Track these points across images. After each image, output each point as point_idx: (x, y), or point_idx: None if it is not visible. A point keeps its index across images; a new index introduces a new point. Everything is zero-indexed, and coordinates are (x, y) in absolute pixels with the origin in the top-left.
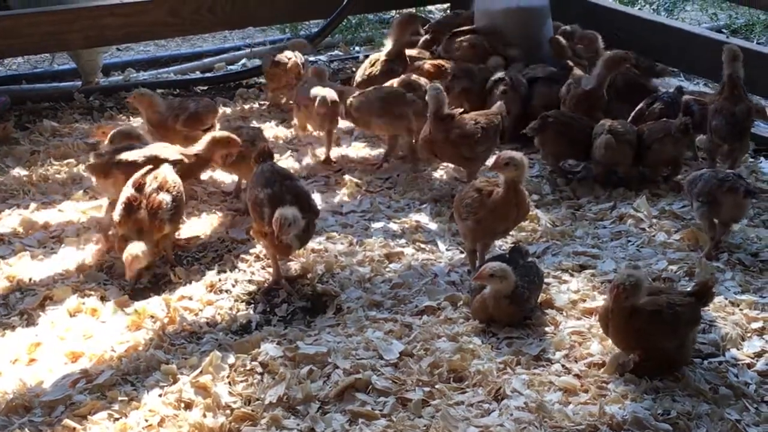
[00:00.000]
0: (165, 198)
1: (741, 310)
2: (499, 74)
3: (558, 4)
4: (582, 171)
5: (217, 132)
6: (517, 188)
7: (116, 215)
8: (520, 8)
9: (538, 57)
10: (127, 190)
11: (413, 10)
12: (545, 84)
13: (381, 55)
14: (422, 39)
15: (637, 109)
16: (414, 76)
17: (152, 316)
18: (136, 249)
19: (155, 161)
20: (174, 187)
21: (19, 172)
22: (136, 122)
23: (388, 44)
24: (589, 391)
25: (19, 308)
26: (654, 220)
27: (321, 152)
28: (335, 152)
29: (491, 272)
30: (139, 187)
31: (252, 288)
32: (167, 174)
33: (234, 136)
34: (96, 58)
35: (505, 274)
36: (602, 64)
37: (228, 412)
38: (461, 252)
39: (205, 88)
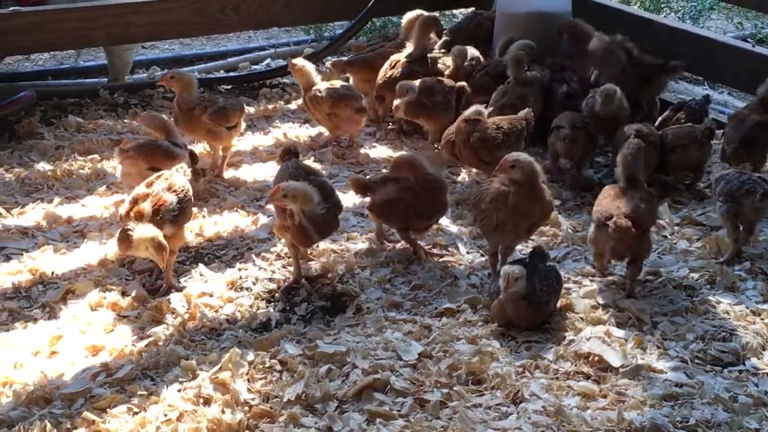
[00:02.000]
0: (170, 198)
1: (762, 319)
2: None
3: (581, 10)
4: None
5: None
6: (535, 186)
7: (122, 209)
8: (541, 13)
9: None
10: (139, 188)
11: (437, 13)
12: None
13: (401, 56)
14: (442, 40)
15: (662, 116)
16: (438, 78)
17: (173, 312)
18: (149, 234)
19: None
20: (182, 191)
21: (43, 166)
22: None
23: (410, 46)
24: (607, 397)
25: (42, 301)
26: (676, 228)
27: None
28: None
29: (516, 277)
30: (150, 186)
31: (272, 286)
32: (177, 178)
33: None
34: (128, 57)
35: (521, 275)
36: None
37: (246, 408)
38: (482, 255)
39: (229, 87)
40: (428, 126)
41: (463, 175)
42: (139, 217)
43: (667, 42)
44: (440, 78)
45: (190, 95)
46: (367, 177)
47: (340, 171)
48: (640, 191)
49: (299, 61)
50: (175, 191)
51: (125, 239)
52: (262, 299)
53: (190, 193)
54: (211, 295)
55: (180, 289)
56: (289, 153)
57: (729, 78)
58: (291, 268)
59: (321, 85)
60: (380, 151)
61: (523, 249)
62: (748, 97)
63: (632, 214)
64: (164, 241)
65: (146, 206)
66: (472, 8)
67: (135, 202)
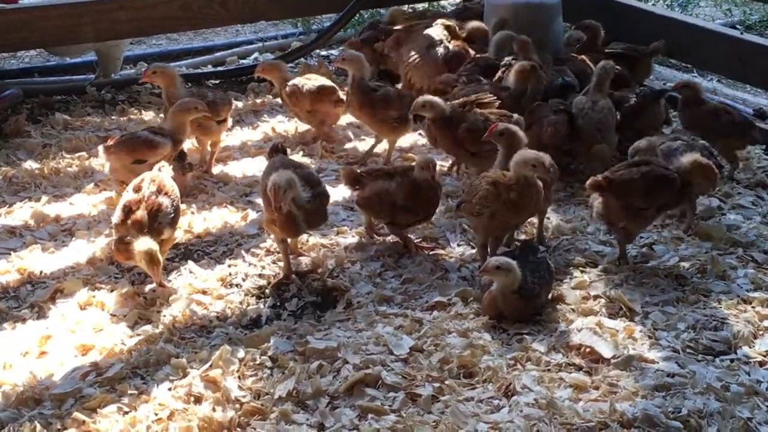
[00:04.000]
0: (164, 201)
1: (753, 307)
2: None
3: (570, 0)
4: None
5: None
6: (531, 181)
7: (115, 218)
8: (529, 3)
9: (546, 53)
10: (127, 194)
11: (426, 4)
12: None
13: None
14: None
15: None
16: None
17: (166, 305)
18: (146, 246)
19: None
20: (172, 191)
21: (30, 164)
22: (148, 116)
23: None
24: (599, 388)
25: (30, 301)
26: (666, 219)
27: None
28: (348, 146)
29: (497, 264)
30: (138, 191)
31: (262, 282)
32: (165, 178)
33: None
34: (117, 53)
35: (510, 268)
36: None
37: (237, 406)
38: (472, 247)
39: (217, 81)
40: (382, 136)
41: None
42: (139, 228)
43: (656, 30)
44: (402, 91)
45: (177, 89)
46: (359, 170)
47: (328, 165)
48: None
49: (266, 62)
50: (166, 193)
51: (125, 250)
52: (252, 295)
53: (178, 191)
54: (201, 292)
55: (169, 290)
56: (276, 150)
57: (718, 65)
58: (281, 264)
59: (297, 80)
60: (369, 145)
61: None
62: (737, 84)
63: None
64: (159, 256)
65: (143, 214)
66: None
67: (128, 210)
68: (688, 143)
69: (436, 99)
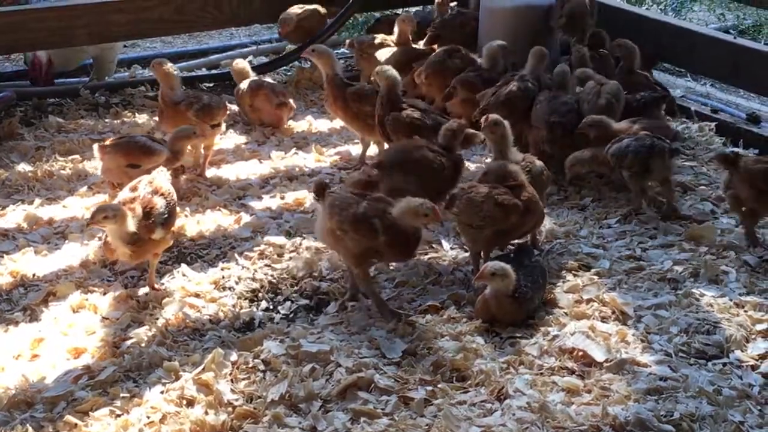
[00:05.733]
0: (159, 201)
1: (746, 311)
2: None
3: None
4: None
5: None
6: (534, 199)
7: None
8: (528, 7)
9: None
10: (123, 193)
11: (421, 7)
12: None
13: None
14: (427, 36)
15: None
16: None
17: (155, 308)
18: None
19: None
20: (168, 194)
21: (24, 167)
22: (142, 119)
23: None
24: (591, 392)
25: (23, 304)
26: (660, 222)
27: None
28: (342, 149)
29: (492, 271)
30: (134, 191)
31: (255, 285)
32: (162, 181)
33: None
34: (111, 56)
35: (506, 273)
36: None
37: (230, 409)
38: (465, 251)
39: (212, 85)
40: (361, 134)
41: None
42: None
43: (649, 34)
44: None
45: (172, 88)
46: (365, 172)
47: (322, 168)
48: None
49: (238, 62)
50: (162, 194)
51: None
52: (245, 299)
53: (175, 195)
54: (194, 295)
55: (162, 293)
56: (323, 188)
57: (711, 69)
58: (274, 266)
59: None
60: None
61: None
62: (729, 89)
63: None
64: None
65: (137, 208)
66: (454, 2)
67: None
68: (637, 138)
69: (395, 73)
